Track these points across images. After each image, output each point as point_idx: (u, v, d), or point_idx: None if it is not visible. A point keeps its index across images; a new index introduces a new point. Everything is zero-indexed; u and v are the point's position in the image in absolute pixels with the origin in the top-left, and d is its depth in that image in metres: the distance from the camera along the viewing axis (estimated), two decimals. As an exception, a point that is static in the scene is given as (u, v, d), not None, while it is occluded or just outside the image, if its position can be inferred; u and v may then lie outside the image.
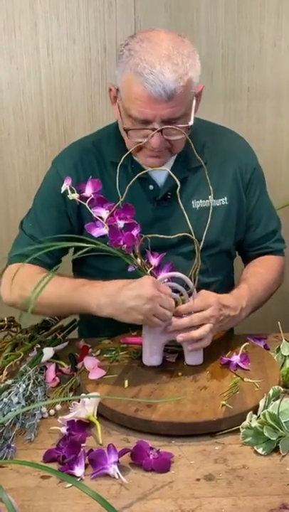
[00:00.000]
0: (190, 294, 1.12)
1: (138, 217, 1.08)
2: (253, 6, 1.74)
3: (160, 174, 1.24)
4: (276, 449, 0.94)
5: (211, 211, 1.15)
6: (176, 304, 1.11)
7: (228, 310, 1.15)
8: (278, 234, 1.40)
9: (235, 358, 1.14)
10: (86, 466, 0.91)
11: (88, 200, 1.07)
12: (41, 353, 1.19)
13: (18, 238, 1.31)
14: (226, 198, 1.29)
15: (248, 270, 1.34)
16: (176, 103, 1.10)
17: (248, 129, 1.77)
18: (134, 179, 1.10)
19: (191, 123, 1.15)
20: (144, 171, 1.16)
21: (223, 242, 1.31)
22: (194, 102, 1.16)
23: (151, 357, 1.13)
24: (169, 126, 1.12)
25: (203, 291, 1.14)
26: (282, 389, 1.04)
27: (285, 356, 1.18)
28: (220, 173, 1.26)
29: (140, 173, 1.13)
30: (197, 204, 1.26)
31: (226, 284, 1.37)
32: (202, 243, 1.12)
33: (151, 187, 1.25)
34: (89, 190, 1.08)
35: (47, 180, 1.32)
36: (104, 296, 1.11)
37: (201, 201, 1.27)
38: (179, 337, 1.10)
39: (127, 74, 1.11)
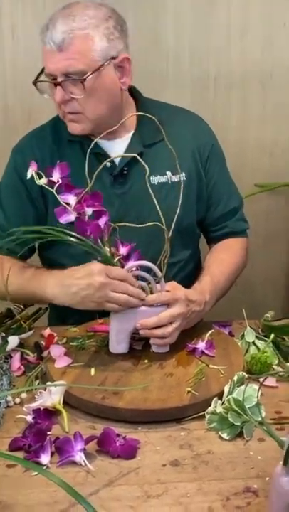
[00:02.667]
0: (158, 282, 1.12)
1: None
2: (221, -6, 1.74)
3: (115, 150, 1.26)
4: (240, 434, 0.96)
5: (182, 186, 1.16)
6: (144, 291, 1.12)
7: (194, 305, 1.15)
8: (240, 213, 1.40)
9: (201, 345, 1.15)
10: (52, 454, 0.91)
11: (56, 185, 1.06)
12: (6, 342, 1.17)
13: None
14: (184, 174, 1.29)
15: (210, 256, 1.35)
16: (69, 56, 1.14)
17: (214, 118, 1.77)
18: (102, 165, 1.09)
19: (86, 77, 1.15)
20: (111, 156, 1.16)
21: (185, 219, 1.30)
22: (111, 68, 1.18)
23: (118, 345, 1.13)
24: (66, 79, 1.15)
25: (172, 283, 1.15)
26: (246, 375, 1.06)
27: (249, 343, 1.20)
28: (178, 150, 1.20)
29: (108, 160, 1.12)
30: (155, 179, 1.27)
31: (191, 265, 1.38)
32: (174, 222, 1.11)
33: (108, 164, 1.24)
34: (56, 175, 1.06)
35: (7, 167, 1.34)
36: (59, 287, 1.12)
37: (158, 177, 1.28)
38: (141, 332, 1.10)
39: None
